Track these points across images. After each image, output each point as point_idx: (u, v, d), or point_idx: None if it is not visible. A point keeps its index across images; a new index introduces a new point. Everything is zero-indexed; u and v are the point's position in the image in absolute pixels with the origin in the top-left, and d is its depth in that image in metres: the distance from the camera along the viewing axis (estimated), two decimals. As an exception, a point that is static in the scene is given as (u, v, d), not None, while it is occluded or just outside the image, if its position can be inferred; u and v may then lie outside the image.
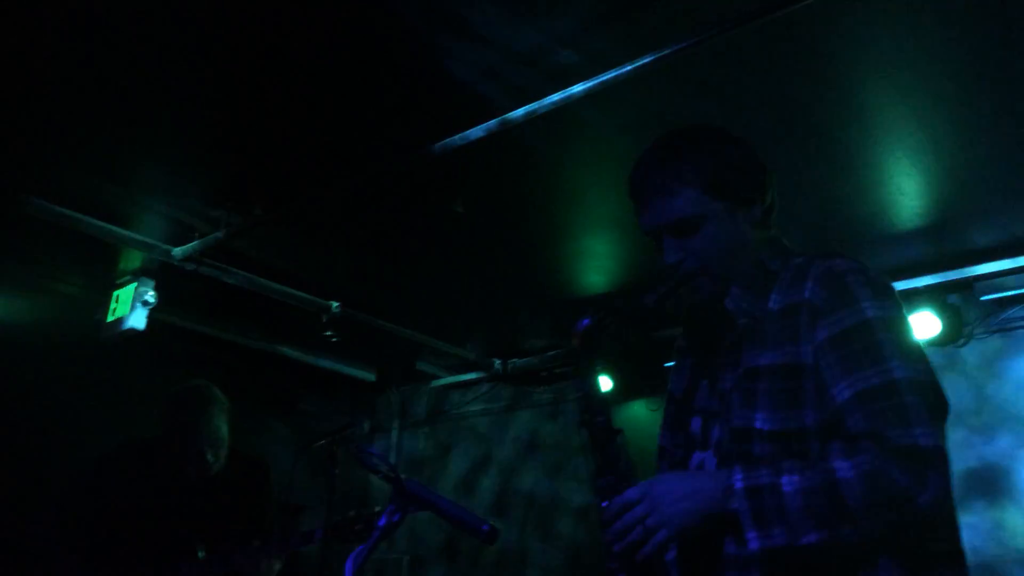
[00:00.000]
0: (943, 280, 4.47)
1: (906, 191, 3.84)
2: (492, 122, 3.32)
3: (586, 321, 1.70)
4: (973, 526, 4.27)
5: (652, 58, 2.87)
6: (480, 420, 6.83)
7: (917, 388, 1.52)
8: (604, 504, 1.60)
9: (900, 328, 1.60)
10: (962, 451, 4.42)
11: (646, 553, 1.52)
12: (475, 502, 6.52)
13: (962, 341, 4.56)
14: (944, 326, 4.44)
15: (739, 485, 1.50)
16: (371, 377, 7.03)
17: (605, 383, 5.58)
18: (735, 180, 1.73)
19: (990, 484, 4.35)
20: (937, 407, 1.54)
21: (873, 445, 1.47)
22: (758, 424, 1.58)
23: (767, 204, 1.78)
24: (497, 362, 6.44)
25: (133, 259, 4.78)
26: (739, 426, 1.61)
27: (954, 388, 4.54)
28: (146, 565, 3.16)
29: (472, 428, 6.87)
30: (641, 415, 5.31)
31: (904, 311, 1.65)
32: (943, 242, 4.30)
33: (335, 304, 5.30)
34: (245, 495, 3.35)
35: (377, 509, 3.04)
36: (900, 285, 4.50)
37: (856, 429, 1.51)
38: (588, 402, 1.70)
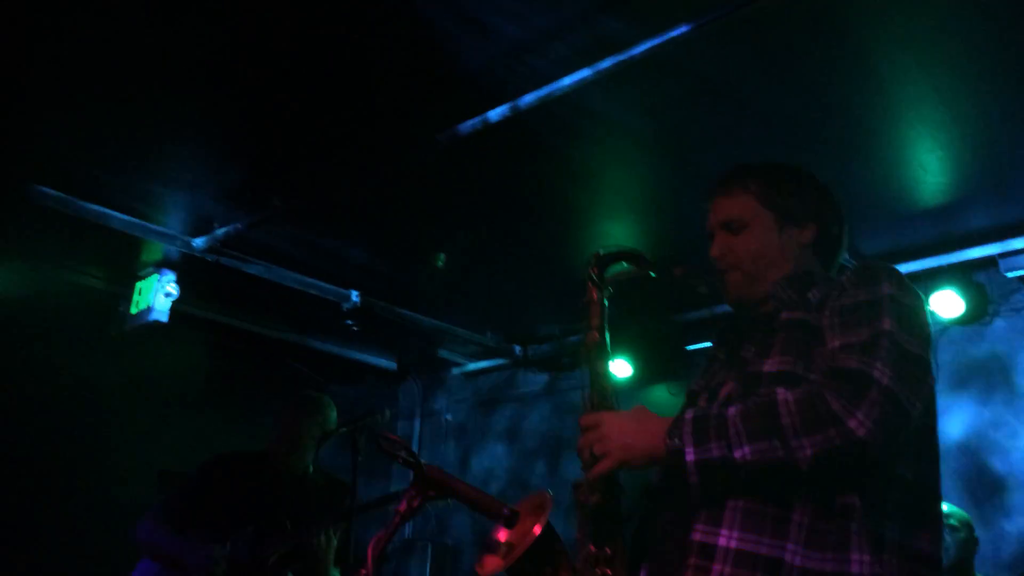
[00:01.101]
0: (967, 258, 4.41)
1: (929, 168, 3.79)
2: (506, 107, 3.31)
3: (606, 249, 1.93)
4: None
5: (664, 39, 2.84)
6: (502, 407, 6.84)
7: (898, 347, 1.56)
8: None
9: (910, 310, 1.65)
10: (992, 429, 4.39)
11: (591, 476, 1.66)
12: (496, 488, 6.54)
13: (987, 319, 4.51)
14: (968, 304, 4.39)
15: (688, 416, 1.59)
16: (392, 365, 7.07)
17: (624, 368, 5.56)
18: (788, 199, 1.90)
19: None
20: (910, 370, 1.55)
21: (820, 376, 1.56)
22: (766, 367, 1.67)
23: (827, 240, 1.92)
24: (518, 348, 6.44)
25: (154, 251, 4.82)
26: (751, 371, 1.70)
27: (980, 366, 4.50)
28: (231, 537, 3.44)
29: (494, 414, 6.88)
30: (662, 399, 5.29)
31: (923, 310, 1.70)
32: (967, 219, 4.24)
33: (355, 293, 5.32)
34: (325, 508, 3.56)
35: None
36: (924, 264, 4.46)
37: (824, 367, 1.59)
38: (588, 316, 1.87)
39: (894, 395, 1.49)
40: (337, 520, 3.41)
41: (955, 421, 4.52)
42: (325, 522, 3.39)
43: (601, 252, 1.92)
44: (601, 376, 1.82)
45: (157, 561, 3.48)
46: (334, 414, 3.74)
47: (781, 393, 1.53)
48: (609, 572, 1.63)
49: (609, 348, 1.84)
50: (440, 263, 4.71)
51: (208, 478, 3.61)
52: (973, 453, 4.46)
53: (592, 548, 1.65)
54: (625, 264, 1.91)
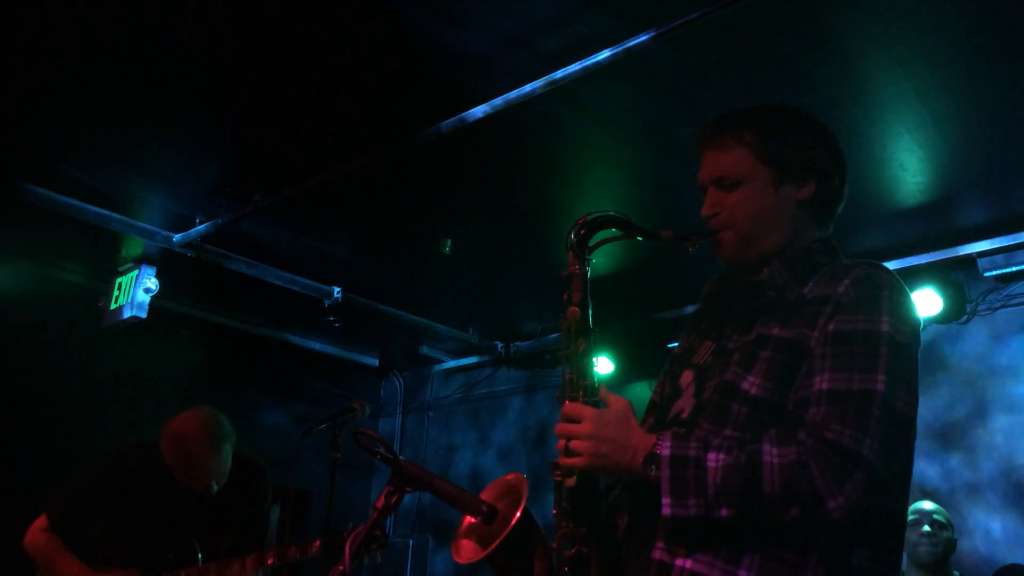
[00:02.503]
0: (946, 257, 4.45)
1: (908, 168, 3.82)
2: (488, 104, 3.31)
3: (589, 216, 1.77)
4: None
5: (650, 35, 2.85)
6: (483, 403, 6.84)
7: (888, 410, 1.50)
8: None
9: (906, 356, 1.58)
10: (967, 422, 4.43)
11: (564, 465, 1.61)
12: (478, 484, 6.54)
13: (965, 318, 4.55)
14: (947, 303, 4.42)
15: (665, 452, 1.53)
16: (374, 362, 7.06)
17: (606, 365, 5.57)
18: (787, 153, 1.77)
19: (992, 455, 4.36)
20: (895, 439, 1.51)
21: (808, 437, 1.48)
22: (745, 385, 1.60)
23: (826, 195, 1.81)
24: (500, 345, 6.45)
25: (134, 246, 4.79)
26: (729, 380, 1.62)
27: (957, 365, 4.54)
28: (142, 563, 3.20)
29: (475, 411, 6.88)
30: (644, 396, 5.29)
31: (917, 347, 1.63)
32: (945, 219, 4.28)
33: (337, 289, 5.30)
34: (242, 501, 3.37)
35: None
36: (903, 263, 4.50)
37: (810, 418, 1.52)
38: (571, 291, 1.73)
39: (878, 473, 1.46)
40: (252, 538, 3.21)
41: (927, 416, 4.55)
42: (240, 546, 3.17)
43: (587, 217, 1.76)
44: (582, 355, 1.70)
45: None
46: (228, 424, 3.38)
47: (767, 454, 1.47)
48: (585, 550, 1.63)
49: (592, 324, 1.73)
50: (447, 249, 4.65)
51: (102, 481, 3.28)
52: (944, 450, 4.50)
53: (569, 526, 1.63)
54: (612, 231, 1.76)
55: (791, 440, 1.49)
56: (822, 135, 1.83)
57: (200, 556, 3.19)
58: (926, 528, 3.67)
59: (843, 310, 1.59)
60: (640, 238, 1.75)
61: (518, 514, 1.65)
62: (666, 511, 1.50)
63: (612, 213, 1.76)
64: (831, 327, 1.58)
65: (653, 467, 1.53)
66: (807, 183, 1.78)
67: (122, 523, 3.23)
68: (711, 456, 1.50)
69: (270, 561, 3.02)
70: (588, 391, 1.68)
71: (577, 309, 1.72)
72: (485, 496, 1.78)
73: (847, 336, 1.56)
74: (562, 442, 1.62)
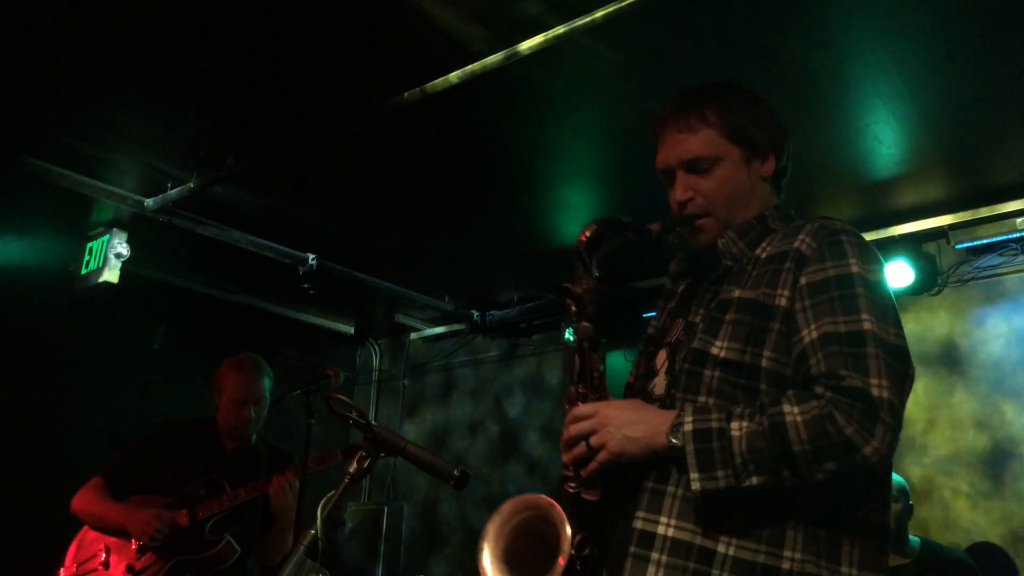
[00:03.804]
0: (918, 229, 4.50)
1: (883, 139, 3.83)
2: (465, 69, 3.28)
3: (592, 227, 1.72)
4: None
5: (625, 3, 2.82)
6: (459, 372, 6.85)
7: (883, 345, 1.52)
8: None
9: (881, 291, 1.60)
10: (936, 398, 4.49)
11: (588, 470, 1.58)
12: (453, 453, 6.58)
13: (936, 290, 4.59)
14: (918, 275, 4.47)
15: (688, 427, 1.52)
16: (350, 330, 7.04)
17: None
18: (754, 131, 1.78)
19: (969, 431, 4.42)
20: (900, 371, 1.52)
21: (825, 390, 1.48)
22: (714, 350, 1.60)
23: (781, 165, 1.83)
24: (476, 314, 6.45)
25: (105, 210, 4.72)
26: (697, 348, 1.63)
27: (928, 336, 4.59)
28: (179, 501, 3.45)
29: (451, 380, 6.89)
30: (619, 365, 5.33)
31: (887, 281, 1.65)
32: (918, 191, 4.31)
33: (311, 256, 5.27)
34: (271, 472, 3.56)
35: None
36: (876, 234, 4.53)
37: (815, 370, 1.52)
38: (582, 306, 1.70)
39: (898, 410, 1.48)
40: (283, 470, 3.42)
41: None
42: (270, 475, 3.38)
43: (588, 235, 1.71)
44: (598, 372, 1.67)
45: (98, 529, 3.45)
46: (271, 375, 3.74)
47: (788, 413, 1.46)
48: (598, 551, 1.61)
49: (603, 340, 1.70)
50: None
51: (151, 445, 3.59)
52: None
53: (584, 535, 1.60)
54: (610, 236, 1.74)
55: (810, 396, 1.49)
56: (767, 107, 1.85)
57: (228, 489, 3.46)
58: (896, 507, 3.59)
59: (809, 262, 1.60)
60: (634, 237, 1.74)
61: (569, 546, 1.57)
62: (695, 486, 1.48)
63: (610, 220, 1.74)
64: (803, 280, 1.60)
65: (678, 439, 1.52)
66: (768, 158, 1.80)
67: (166, 476, 3.49)
68: (734, 425, 1.50)
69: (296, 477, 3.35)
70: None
71: (589, 325, 1.70)
72: (506, 509, 1.71)
73: (821, 284, 1.58)
74: (581, 444, 1.59)
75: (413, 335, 7.13)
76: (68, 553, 3.53)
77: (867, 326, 1.52)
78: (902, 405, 1.50)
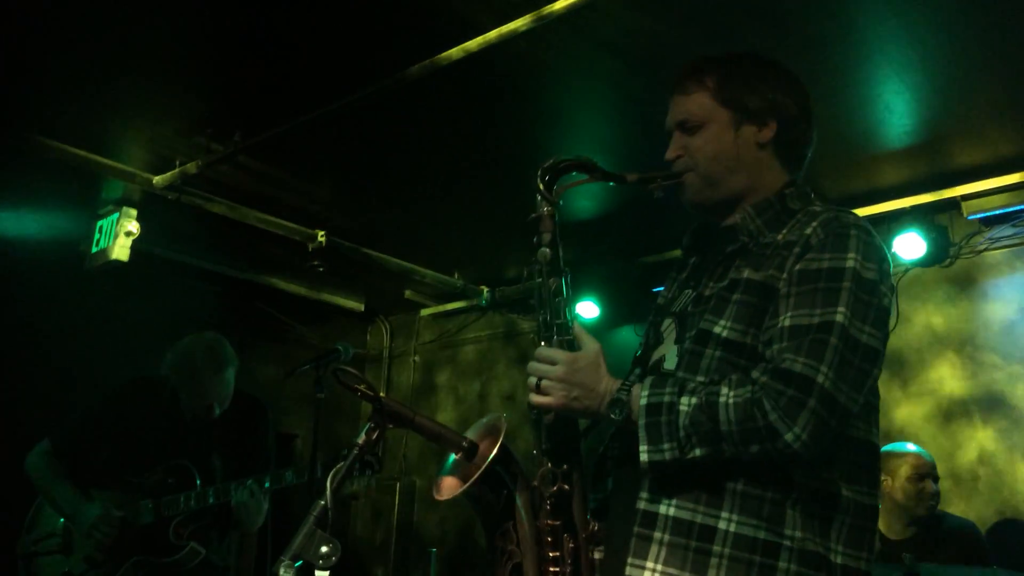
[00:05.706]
0: (930, 200, 4.45)
1: (895, 109, 3.79)
2: (472, 43, 3.26)
3: (550, 160, 1.79)
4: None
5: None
6: (469, 348, 6.86)
7: (848, 340, 1.52)
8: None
9: (871, 289, 1.59)
10: (953, 372, 4.48)
11: (533, 404, 1.67)
12: (462, 429, 6.59)
13: (948, 261, 4.56)
14: (930, 246, 4.43)
15: (644, 401, 1.57)
16: (360, 307, 7.05)
17: (591, 309, 5.59)
18: (746, 94, 1.79)
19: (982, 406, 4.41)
20: (858, 368, 1.53)
21: (761, 374, 1.52)
22: (717, 330, 1.63)
23: (789, 136, 1.81)
24: (486, 290, 6.45)
25: (115, 188, 4.73)
26: (703, 328, 1.66)
27: (940, 308, 4.57)
28: (144, 492, 3.27)
29: (461, 356, 6.90)
30: (629, 340, 5.33)
31: (886, 286, 1.64)
32: (931, 161, 4.26)
33: (321, 233, 5.27)
34: (243, 433, 3.42)
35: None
36: (887, 205, 4.50)
37: (768, 355, 1.56)
38: (539, 232, 1.76)
39: (833, 399, 1.48)
40: (253, 471, 3.23)
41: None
42: (242, 475, 3.21)
43: (551, 162, 1.78)
44: (554, 294, 1.73)
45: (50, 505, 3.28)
46: (232, 350, 3.42)
47: (723, 395, 1.52)
48: (567, 488, 1.66)
49: (563, 264, 1.74)
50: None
51: (111, 410, 3.33)
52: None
53: (549, 465, 1.67)
54: (576, 174, 1.78)
55: (747, 380, 1.53)
56: (784, 78, 1.84)
57: (199, 482, 3.26)
58: (935, 488, 3.65)
59: (812, 249, 1.62)
60: (608, 181, 1.77)
61: (495, 449, 1.67)
62: (644, 457, 1.54)
63: (576, 157, 1.78)
64: (797, 267, 1.61)
65: (616, 411, 1.59)
66: (767, 124, 1.79)
67: (124, 449, 3.28)
68: (683, 400, 1.55)
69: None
70: (561, 329, 1.71)
71: (547, 250, 1.74)
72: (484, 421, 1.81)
73: (811, 274, 1.59)
74: (533, 381, 1.67)
75: (423, 311, 7.14)
76: (28, 523, 3.38)
77: (839, 318, 1.53)
78: (850, 400, 1.51)
